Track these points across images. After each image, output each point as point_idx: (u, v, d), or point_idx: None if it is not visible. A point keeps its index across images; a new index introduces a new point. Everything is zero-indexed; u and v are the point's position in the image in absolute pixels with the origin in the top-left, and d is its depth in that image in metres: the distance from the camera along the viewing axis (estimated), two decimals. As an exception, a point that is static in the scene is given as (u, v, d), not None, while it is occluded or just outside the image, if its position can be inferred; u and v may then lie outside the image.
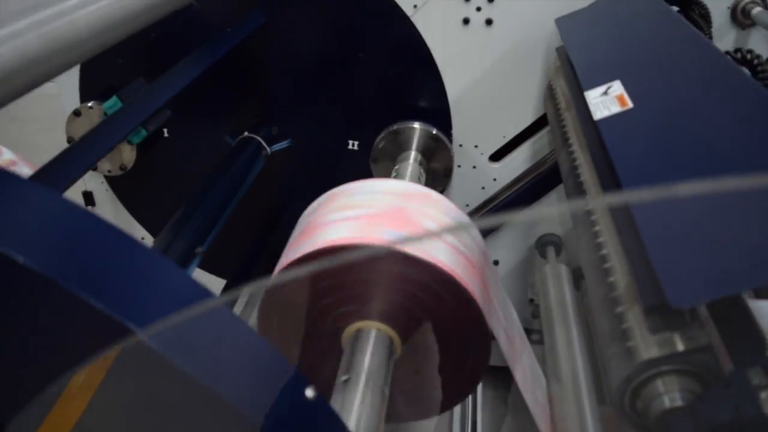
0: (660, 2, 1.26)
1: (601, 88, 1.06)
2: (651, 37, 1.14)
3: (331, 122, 1.82)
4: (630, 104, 0.98)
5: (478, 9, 1.58)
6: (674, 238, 0.70)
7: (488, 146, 1.77)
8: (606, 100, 1.02)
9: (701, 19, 1.37)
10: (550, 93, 1.47)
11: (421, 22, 1.62)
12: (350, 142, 1.82)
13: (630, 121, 0.92)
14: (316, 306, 0.94)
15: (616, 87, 1.05)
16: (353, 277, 0.92)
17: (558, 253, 1.87)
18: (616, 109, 0.99)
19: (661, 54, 1.09)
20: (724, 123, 0.86)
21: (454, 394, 1.08)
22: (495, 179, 1.81)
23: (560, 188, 1.73)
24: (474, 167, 1.80)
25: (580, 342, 1.50)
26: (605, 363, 0.81)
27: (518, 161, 1.77)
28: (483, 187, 1.83)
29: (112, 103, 1.27)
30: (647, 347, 0.72)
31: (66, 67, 0.94)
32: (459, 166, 1.79)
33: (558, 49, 1.45)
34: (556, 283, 1.72)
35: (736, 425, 0.65)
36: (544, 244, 1.89)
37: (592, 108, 1.02)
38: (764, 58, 1.27)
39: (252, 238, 1.94)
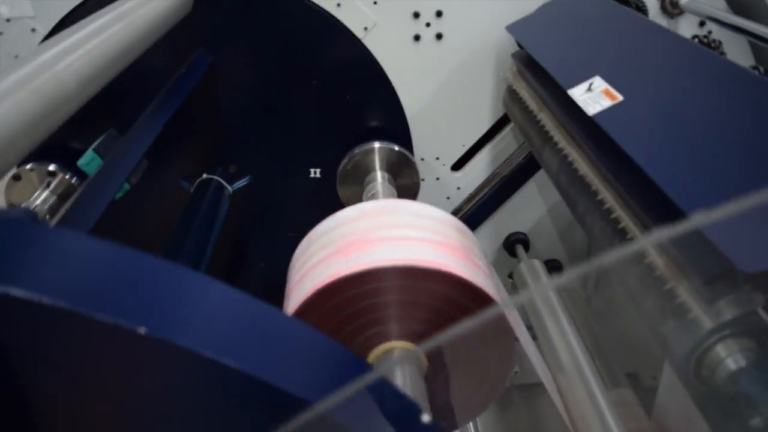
0: (608, 0, 1.35)
1: (584, 85, 1.12)
2: (613, 32, 1.22)
3: (290, 152, 1.79)
4: (620, 97, 1.04)
5: (428, 25, 1.62)
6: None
7: (449, 157, 1.81)
8: (593, 96, 1.08)
9: (639, 12, 1.48)
10: (511, 96, 1.53)
11: (372, 43, 1.64)
12: (312, 170, 1.81)
13: (629, 112, 0.97)
14: (339, 335, 0.92)
15: (598, 82, 1.11)
16: (374, 300, 0.91)
17: (527, 249, 1.94)
18: (607, 103, 1.05)
19: (630, 46, 1.16)
20: (716, 100, 0.93)
21: (479, 402, 1.08)
22: (459, 188, 1.85)
23: (531, 185, 1.79)
24: (437, 179, 1.84)
25: (573, 331, 1.56)
26: (660, 340, 0.85)
27: (480, 167, 1.82)
28: (448, 197, 1.86)
29: (89, 158, 1.19)
30: (709, 316, 0.76)
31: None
32: (423, 179, 1.81)
33: (514, 55, 1.51)
34: (534, 278, 1.77)
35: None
36: (512, 243, 1.95)
37: (581, 105, 1.08)
38: (718, 41, 1.39)
39: (222, 277, 1.87)
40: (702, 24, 1.59)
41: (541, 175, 1.76)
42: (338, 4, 1.59)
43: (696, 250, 0.78)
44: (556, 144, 1.22)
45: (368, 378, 0.47)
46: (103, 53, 0.97)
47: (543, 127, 1.29)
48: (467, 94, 1.71)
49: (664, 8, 1.56)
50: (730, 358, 0.77)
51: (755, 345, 0.78)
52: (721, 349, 0.78)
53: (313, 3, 1.59)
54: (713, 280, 0.75)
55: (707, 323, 0.76)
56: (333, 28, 1.62)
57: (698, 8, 1.43)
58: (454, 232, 0.94)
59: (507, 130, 1.75)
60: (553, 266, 1.93)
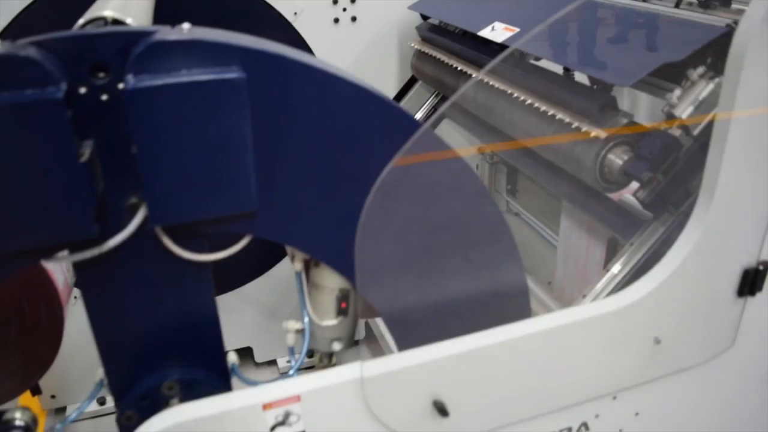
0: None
1: (488, 28, 1.62)
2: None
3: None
4: (516, 29, 1.55)
5: (344, 9, 2.04)
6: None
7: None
8: (497, 33, 1.58)
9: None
10: (419, 58, 2.00)
11: (301, 25, 2.02)
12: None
13: (525, 33, 1.48)
14: None
15: (498, 25, 1.61)
16: None
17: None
18: (509, 34, 1.55)
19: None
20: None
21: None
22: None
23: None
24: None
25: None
26: (574, 164, 1.33)
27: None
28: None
29: None
30: (603, 131, 1.26)
31: None
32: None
33: (418, 27, 2.00)
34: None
35: (664, 152, 1.22)
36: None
37: (491, 38, 1.57)
38: None
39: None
40: None
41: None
42: (272, -6, 1.96)
43: (589, 98, 1.29)
44: (470, 75, 1.70)
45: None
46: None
47: (456, 67, 1.77)
48: (378, 64, 2.15)
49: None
50: (619, 156, 1.28)
51: (630, 147, 1.29)
52: (613, 153, 1.28)
53: (251, -8, 1.94)
54: (603, 108, 1.26)
55: (603, 135, 1.26)
56: (268, 13, 1.98)
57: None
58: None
59: (413, 91, 2.21)
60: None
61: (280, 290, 2.25)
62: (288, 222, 0.91)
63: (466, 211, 1.01)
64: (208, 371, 1.02)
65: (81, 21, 0.90)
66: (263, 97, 0.82)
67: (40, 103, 0.71)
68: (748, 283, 1.16)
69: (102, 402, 2.16)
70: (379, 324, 2.12)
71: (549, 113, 1.38)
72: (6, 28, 1.76)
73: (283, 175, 0.88)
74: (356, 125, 0.89)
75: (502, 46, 1.54)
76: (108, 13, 0.89)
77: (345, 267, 0.97)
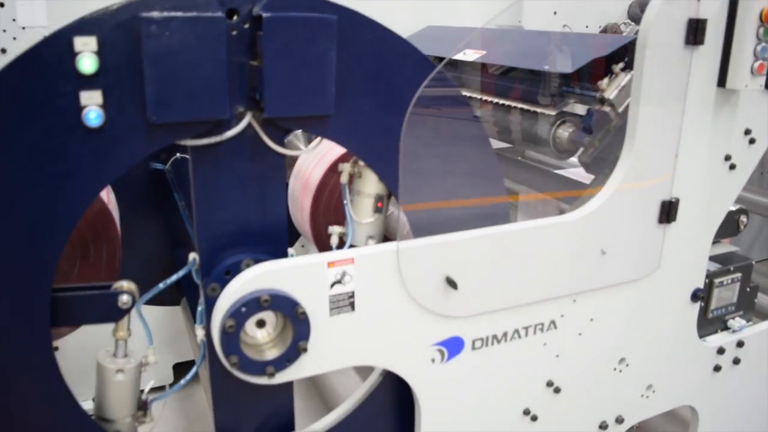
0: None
1: (461, 53, 2.10)
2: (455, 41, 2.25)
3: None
4: (483, 51, 2.03)
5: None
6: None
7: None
8: (468, 55, 2.06)
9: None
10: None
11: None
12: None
13: (490, 55, 1.96)
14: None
15: (469, 51, 2.09)
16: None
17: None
18: (478, 55, 2.03)
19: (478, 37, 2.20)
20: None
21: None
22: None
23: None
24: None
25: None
26: (534, 138, 1.77)
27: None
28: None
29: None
30: (558, 106, 1.71)
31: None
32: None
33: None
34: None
35: (599, 123, 1.68)
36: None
37: (466, 58, 2.04)
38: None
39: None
40: None
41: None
42: None
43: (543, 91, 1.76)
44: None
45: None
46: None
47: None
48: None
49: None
50: (570, 131, 1.72)
51: (573, 123, 1.74)
52: (563, 128, 1.73)
53: None
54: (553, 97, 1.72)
55: (555, 111, 1.71)
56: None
57: None
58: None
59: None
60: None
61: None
62: (349, 129, 1.28)
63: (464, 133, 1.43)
64: (275, 258, 1.33)
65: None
66: (343, 34, 1.21)
67: (209, 19, 1.08)
68: (665, 213, 1.59)
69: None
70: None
71: (515, 106, 1.84)
72: None
73: (348, 92, 1.25)
74: (398, 63, 1.29)
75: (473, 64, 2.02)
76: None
77: (386, 173, 1.33)
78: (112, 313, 1.27)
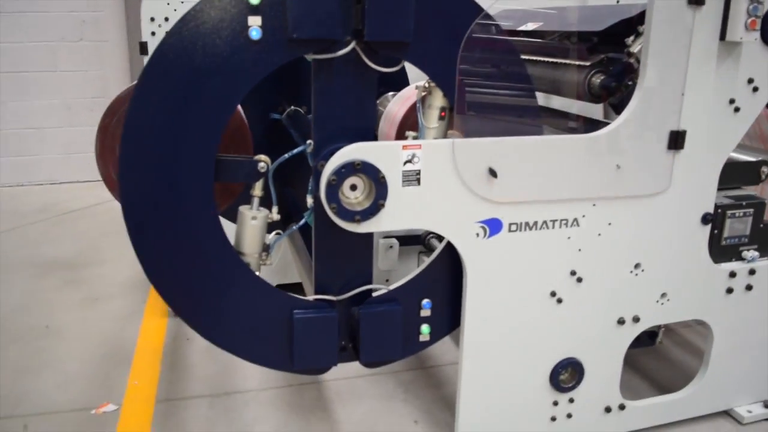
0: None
1: (526, 26, 2.58)
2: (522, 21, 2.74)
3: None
4: (542, 22, 2.50)
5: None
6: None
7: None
8: (529, 26, 2.53)
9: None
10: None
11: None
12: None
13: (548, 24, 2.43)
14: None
15: (530, 24, 2.57)
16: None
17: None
18: (538, 23, 2.50)
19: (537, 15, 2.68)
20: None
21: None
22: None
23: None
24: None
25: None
26: (566, 89, 2.22)
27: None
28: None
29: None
30: (592, 60, 2.16)
31: None
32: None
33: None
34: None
35: (625, 72, 2.11)
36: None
37: (529, 27, 2.52)
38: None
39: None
40: None
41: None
42: None
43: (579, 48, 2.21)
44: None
45: None
46: None
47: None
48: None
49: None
50: (602, 78, 2.16)
51: (605, 72, 2.18)
52: (596, 76, 2.17)
53: None
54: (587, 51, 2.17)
55: (589, 62, 2.16)
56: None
57: None
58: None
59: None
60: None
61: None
62: (423, 54, 1.80)
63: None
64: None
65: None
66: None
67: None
68: (673, 140, 1.99)
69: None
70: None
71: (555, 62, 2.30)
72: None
73: (423, 27, 1.78)
74: (459, 9, 1.81)
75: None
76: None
77: (448, 89, 1.85)
78: (252, 174, 1.85)
